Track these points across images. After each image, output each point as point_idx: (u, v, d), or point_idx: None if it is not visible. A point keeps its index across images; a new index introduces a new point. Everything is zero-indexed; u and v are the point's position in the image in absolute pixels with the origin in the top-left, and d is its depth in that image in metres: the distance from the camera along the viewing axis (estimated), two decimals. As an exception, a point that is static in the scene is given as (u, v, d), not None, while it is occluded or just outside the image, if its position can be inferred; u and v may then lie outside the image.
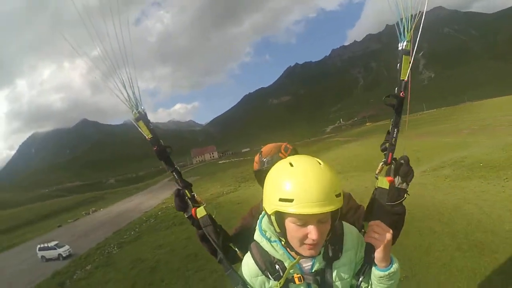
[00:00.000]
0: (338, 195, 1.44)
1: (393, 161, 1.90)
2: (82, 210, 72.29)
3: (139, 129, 2.03)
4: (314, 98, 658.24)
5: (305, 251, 1.53)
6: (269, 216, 1.58)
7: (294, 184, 1.42)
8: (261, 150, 2.47)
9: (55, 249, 30.74)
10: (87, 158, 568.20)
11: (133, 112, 2.05)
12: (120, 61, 1.95)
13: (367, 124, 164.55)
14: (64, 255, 29.63)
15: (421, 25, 1.84)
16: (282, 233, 1.55)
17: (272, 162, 2.17)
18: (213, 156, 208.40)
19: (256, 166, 2.46)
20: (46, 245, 32.58)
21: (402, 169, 1.85)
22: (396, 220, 1.94)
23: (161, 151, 2.06)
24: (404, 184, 1.89)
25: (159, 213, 37.62)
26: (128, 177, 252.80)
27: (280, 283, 1.66)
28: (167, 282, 12.73)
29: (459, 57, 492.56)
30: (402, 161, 1.87)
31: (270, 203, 1.50)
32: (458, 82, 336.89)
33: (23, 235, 56.85)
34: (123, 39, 1.86)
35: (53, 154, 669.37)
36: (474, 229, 8.67)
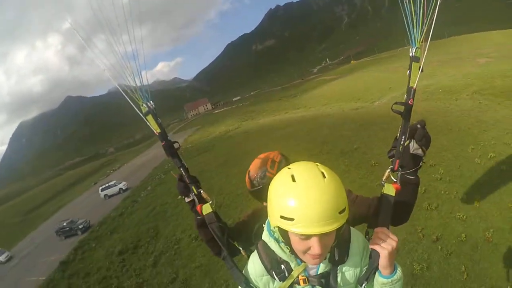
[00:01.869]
0: (342, 211, 1.43)
1: (400, 168, 1.91)
2: (103, 172, 78.08)
3: (148, 123, 2.14)
4: (299, 39, 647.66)
5: (308, 260, 1.59)
6: (274, 228, 1.63)
7: (295, 203, 1.40)
8: (249, 169, 2.39)
9: (115, 185, 38.33)
10: (80, 134, 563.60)
11: (142, 106, 2.12)
12: (130, 57, 2.04)
13: (352, 62, 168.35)
14: (124, 188, 37.28)
15: (430, 35, 1.90)
16: (286, 241, 1.59)
17: (262, 182, 2.23)
18: (207, 108, 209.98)
19: (248, 185, 2.39)
20: (106, 184, 40.14)
21: (418, 132, 1.86)
22: (410, 191, 1.97)
23: (169, 146, 2.15)
24: (420, 150, 1.88)
25: (188, 146, 47.04)
26: (126, 143, 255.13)
27: (285, 285, 1.72)
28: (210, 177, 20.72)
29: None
30: (418, 125, 1.88)
31: (273, 217, 1.52)
32: (445, 17, 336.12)
33: (63, 199, 63.03)
34: (134, 35, 1.93)
35: (44, 139, 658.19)
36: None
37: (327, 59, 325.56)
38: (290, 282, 1.69)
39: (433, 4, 1.82)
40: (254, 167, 2.33)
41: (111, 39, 1.90)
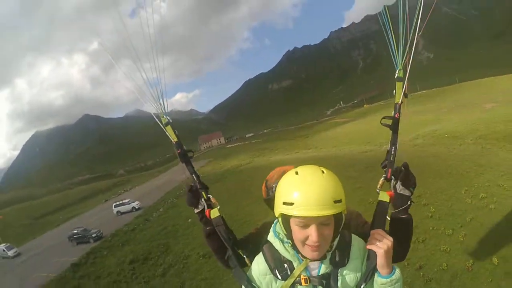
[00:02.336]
0: (337, 201, 1.55)
1: (393, 177, 2.00)
2: (115, 191, 79.42)
3: (167, 132, 2.32)
4: (315, 81, 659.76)
5: (308, 253, 1.67)
6: (278, 219, 1.75)
7: (296, 189, 1.59)
8: (266, 178, 2.56)
9: (129, 203, 39.83)
10: (93, 152, 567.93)
11: (163, 118, 2.32)
12: (153, 72, 2.26)
13: (364, 106, 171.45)
14: (136, 207, 38.67)
15: (411, 56, 2.12)
16: (288, 234, 1.70)
17: None
18: (220, 142, 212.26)
19: (264, 194, 2.56)
20: (120, 201, 41.80)
21: (401, 175, 1.94)
22: (402, 229, 2.02)
23: (183, 154, 2.31)
24: (407, 191, 1.96)
25: (200, 175, 48.97)
26: (137, 167, 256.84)
27: (287, 283, 1.77)
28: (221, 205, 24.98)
29: (458, 38, 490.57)
30: (402, 168, 1.95)
31: (277, 206, 1.67)
32: (456, 63, 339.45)
33: (76, 210, 64.46)
34: (157, 56, 2.16)
35: (57, 151, 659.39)
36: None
37: (341, 102, 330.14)
38: (292, 280, 1.75)
39: (413, 30, 2.09)
40: (271, 177, 2.50)
41: (135, 58, 2.20)
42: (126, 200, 42.01)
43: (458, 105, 51.75)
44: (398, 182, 1.96)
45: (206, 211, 2.20)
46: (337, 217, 1.62)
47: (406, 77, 2.10)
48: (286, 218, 1.65)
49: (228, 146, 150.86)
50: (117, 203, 41.97)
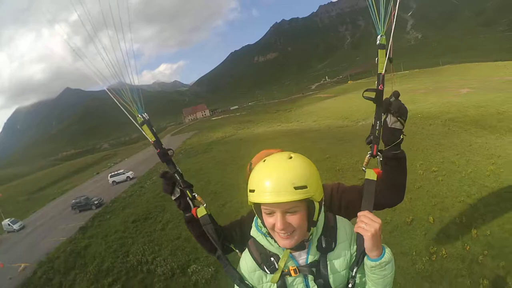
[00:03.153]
0: (298, 187, 1.48)
1: (379, 153, 1.91)
2: (104, 165, 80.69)
3: (143, 132, 2.24)
4: (301, 55, 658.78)
5: (279, 241, 1.64)
6: (253, 209, 1.72)
7: (257, 176, 1.58)
8: (251, 161, 2.45)
9: (124, 173, 42.49)
10: (75, 127, 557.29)
11: (138, 117, 2.23)
12: (125, 70, 2.16)
13: (348, 82, 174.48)
14: (131, 177, 41.33)
15: (394, 22, 1.94)
16: (262, 222, 1.68)
17: None
18: (205, 114, 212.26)
19: (247, 177, 2.19)
20: (116, 172, 44.19)
21: (393, 104, 1.81)
22: (397, 166, 1.92)
23: (163, 153, 2.23)
24: (398, 123, 1.83)
25: (188, 147, 51.64)
26: (122, 141, 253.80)
27: (275, 276, 1.72)
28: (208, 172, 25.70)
29: (447, 21, 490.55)
30: (392, 98, 1.84)
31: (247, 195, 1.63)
32: (443, 45, 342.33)
33: (68, 184, 66.02)
34: (126, 48, 2.08)
35: (39, 127, 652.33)
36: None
37: (326, 77, 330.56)
38: (279, 273, 1.71)
39: None
40: (256, 160, 2.35)
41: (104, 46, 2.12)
42: (121, 171, 44.20)
43: (436, 87, 54.31)
44: (389, 115, 1.84)
45: (193, 210, 2.19)
46: (307, 204, 1.58)
47: (390, 42, 1.94)
48: (257, 207, 1.66)
49: (213, 118, 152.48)
50: (113, 173, 44.15)
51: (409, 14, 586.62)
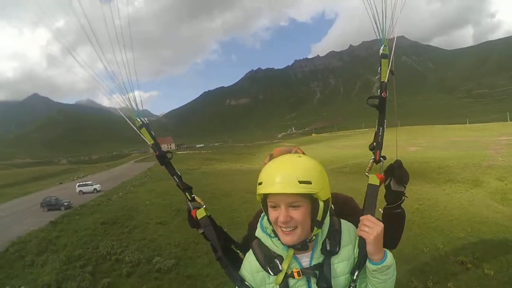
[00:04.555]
0: (303, 182, 1.53)
1: (381, 159, 1.99)
2: (66, 177, 78.79)
3: (142, 135, 2.20)
4: (272, 104, 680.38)
5: (282, 237, 1.65)
6: (260, 204, 1.75)
7: (266, 171, 1.65)
8: (272, 153, 2.43)
9: (92, 185, 43.89)
10: (36, 135, 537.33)
11: (136, 120, 2.20)
12: (126, 75, 2.10)
13: (312, 135, 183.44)
14: (98, 189, 42.96)
15: (395, 38, 2.06)
16: (267, 218, 1.71)
17: None
18: (170, 147, 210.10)
19: None
20: (84, 182, 45.62)
21: (396, 173, 1.94)
22: (396, 223, 2.07)
23: (162, 156, 2.22)
24: (401, 187, 1.98)
25: (152, 173, 54.32)
26: (81, 160, 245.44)
27: (278, 278, 1.72)
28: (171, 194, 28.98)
29: (412, 86, 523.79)
30: (395, 165, 1.95)
31: (256, 189, 1.66)
32: (405, 109, 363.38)
33: (30, 187, 63.47)
34: (127, 59, 2.03)
35: None
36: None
37: (293, 128, 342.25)
38: (282, 275, 1.70)
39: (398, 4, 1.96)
40: (277, 152, 2.34)
41: (102, 56, 2.01)
42: (89, 182, 45.61)
43: (386, 145, 60.82)
44: (393, 180, 1.98)
45: (192, 211, 2.17)
46: (311, 201, 1.61)
47: (392, 51, 2.03)
48: (264, 202, 1.68)
49: (178, 152, 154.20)
50: (80, 183, 45.17)
51: (377, 77, 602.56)
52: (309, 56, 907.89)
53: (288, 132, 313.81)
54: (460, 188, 30.54)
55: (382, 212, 2.04)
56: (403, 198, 2.00)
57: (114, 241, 21.06)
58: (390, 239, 1.97)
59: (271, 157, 2.35)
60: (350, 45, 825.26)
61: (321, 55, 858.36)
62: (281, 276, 1.70)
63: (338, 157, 55.47)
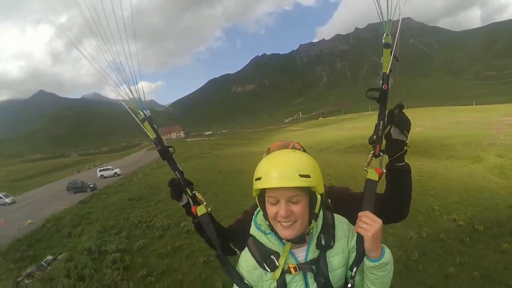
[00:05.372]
0: (303, 175, 1.54)
1: (381, 154, 1.88)
2: (82, 167, 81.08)
3: (144, 129, 2.15)
4: (278, 89, 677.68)
5: (282, 231, 1.66)
6: (256, 200, 1.77)
7: (264, 165, 1.65)
8: (269, 148, 2.32)
9: (112, 169, 46.21)
10: (44, 132, 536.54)
11: (139, 113, 2.16)
12: (128, 67, 2.07)
13: (319, 118, 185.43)
14: (118, 173, 45.15)
15: (400, 22, 1.91)
16: (264, 214, 1.72)
17: None
18: (180, 135, 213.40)
19: None
20: (104, 167, 48.11)
21: (397, 116, 1.83)
22: (403, 180, 1.93)
23: (164, 151, 2.16)
24: (402, 134, 1.85)
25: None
26: (91, 152, 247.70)
27: (275, 274, 1.71)
28: (188, 176, 31.90)
29: (419, 68, 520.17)
30: (396, 110, 1.85)
31: (253, 185, 1.67)
32: (413, 91, 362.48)
33: (50, 178, 66.30)
34: (130, 51, 2.00)
35: (6, 127, 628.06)
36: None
37: (300, 113, 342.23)
38: (280, 271, 1.71)
39: None
40: (275, 147, 2.25)
41: (104, 48, 1.99)
42: (109, 167, 47.93)
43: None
44: (393, 127, 1.85)
45: (193, 208, 2.16)
46: (309, 195, 1.63)
47: (396, 40, 1.91)
48: (261, 197, 1.70)
49: (188, 140, 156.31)
50: (101, 168, 47.64)
51: (382, 58, 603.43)
52: (315, 40, 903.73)
53: (295, 117, 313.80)
54: (460, 164, 32.44)
55: (384, 171, 1.89)
56: (405, 148, 1.88)
57: (143, 212, 23.38)
58: (399, 201, 2.02)
59: (268, 151, 2.33)
60: (356, 28, 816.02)
61: (326, 39, 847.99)
62: (278, 271, 1.71)
63: (345, 137, 58.04)
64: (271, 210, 1.64)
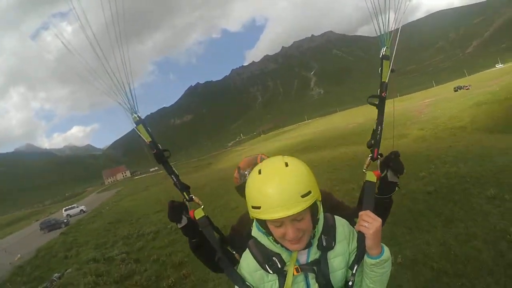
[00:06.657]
0: (304, 195, 1.47)
1: (379, 156, 1.97)
2: (37, 217, 75.38)
3: (138, 132, 2.15)
4: (216, 115, 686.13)
5: (290, 246, 1.62)
6: (255, 222, 1.74)
7: (260, 192, 1.52)
8: (239, 165, 2.47)
9: (77, 207, 46.93)
10: None
11: (133, 116, 2.17)
12: (119, 70, 2.14)
13: (261, 135, 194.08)
14: (84, 210, 46.14)
15: (398, 35, 2.13)
16: (268, 232, 1.66)
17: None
18: (126, 175, 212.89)
19: (236, 181, 2.50)
20: (68, 207, 48.59)
21: (394, 163, 1.96)
22: (383, 210, 2.02)
23: (159, 154, 2.15)
24: (396, 178, 2.00)
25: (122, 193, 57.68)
26: (35, 208, 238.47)
27: (288, 282, 1.68)
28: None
29: (345, 76, 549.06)
30: (392, 156, 1.97)
31: (249, 210, 1.61)
32: (341, 97, 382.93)
33: (10, 230, 59.74)
34: (122, 51, 2.05)
35: None
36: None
37: (241, 134, 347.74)
38: (291, 275, 1.68)
39: (401, 7, 2.09)
40: (243, 163, 2.44)
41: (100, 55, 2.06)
42: (74, 205, 48.61)
43: (324, 129, 70.09)
44: (389, 171, 1.98)
45: (190, 212, 2.14)
46: (311, 207, 1.56)
47: (393, 53, 2.11)
48: (262, 221, 1.63)
49: (136, 178, 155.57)
50: (66, 208, 47.77)
51: (312, 73, 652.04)
52: (245, 64, 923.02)
53: (237, 139, 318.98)
54: (386, 143, 38.25)
55: (382, 175, 2.00)
56: (396, 188, 2.03)
57: (128, 228, 24.66)
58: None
59: (240, 169, 2.51)
60: (282, 47, 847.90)
61: (256, 61, 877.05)
62: (290, 277, 1.68)
63: (288, 145, 63.70)
64: (277, 232, 1.58)
